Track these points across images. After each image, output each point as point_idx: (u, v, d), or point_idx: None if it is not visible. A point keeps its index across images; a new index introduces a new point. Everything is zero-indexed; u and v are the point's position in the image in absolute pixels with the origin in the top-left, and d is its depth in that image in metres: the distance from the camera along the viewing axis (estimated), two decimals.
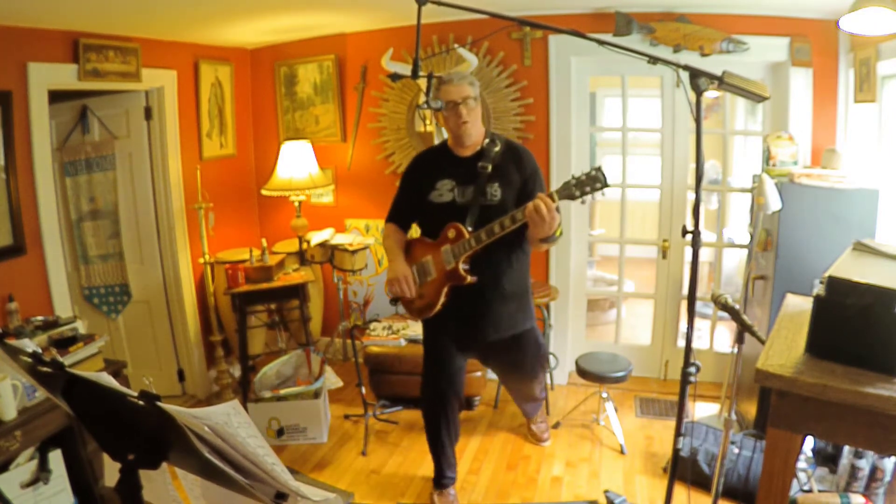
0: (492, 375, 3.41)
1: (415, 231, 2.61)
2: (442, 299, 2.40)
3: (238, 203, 4.17)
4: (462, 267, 2.33)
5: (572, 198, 2.08)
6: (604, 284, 5.26)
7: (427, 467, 2.95)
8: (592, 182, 2.05)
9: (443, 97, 2.32)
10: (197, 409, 0.86)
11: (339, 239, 3.38)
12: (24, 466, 2.20)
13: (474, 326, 2.47)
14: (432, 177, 2.44)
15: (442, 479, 2.69)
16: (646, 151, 4.67)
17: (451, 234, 2.34)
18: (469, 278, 2.34)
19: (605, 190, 2.06)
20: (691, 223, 1.74)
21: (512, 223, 2.18)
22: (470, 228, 2.31)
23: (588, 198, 2.07)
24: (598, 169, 2.05)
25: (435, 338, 2.58)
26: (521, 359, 2.70)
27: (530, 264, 2.59)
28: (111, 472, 0.99)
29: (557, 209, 2.10)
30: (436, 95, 2.33)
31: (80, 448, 2.37)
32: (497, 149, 2.40)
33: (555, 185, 3.59)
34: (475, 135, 2.40)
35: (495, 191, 2.37)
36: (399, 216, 2.60)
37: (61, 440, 2.33)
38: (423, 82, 3.06)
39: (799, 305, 2.09)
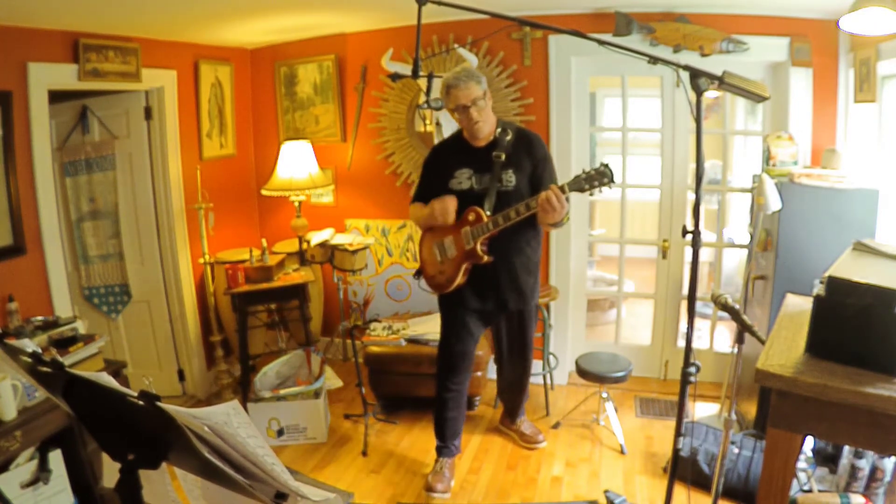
0: (492, 375, 3.41)
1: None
2: (460, 276, 2.61)
3: (238, 203, 4.17)
4: (480, 247, 2.54)
5: (581, 190, 2.29)
6: (604, 284, 5.26)
7: (427, 467, 2.95)
8: (601, 177, 2.26)
9: (452, 102, 2.49)
10: (197, 409, 0.86)
11: (339, 239, 3.38)
12: (24, 466, 2.20)
13: (496, 297, 2.69)
14: (451, 166, 2.64)
15: (440, 446, 2.86)
16: (646, 151, 4.67)
17: (472, 217, 2.54)
18: (486, 258, 2.55)
19: (611, 185, 2.27)
20: (691, 223, 1.74)
21: (526, 210, 2.39)
22: (488, 212, 2.52)
23: (596, 191, 2.28)
24: (606, 165, 2.26)
25: (454, 310, 2.76)
26: (525, 328, 2.90)
27: (542, 245, 2.79)
28: (111, 472, 0.99)
29: (567, 199, 2.32)
30: (445, 100, 2.51)
31: (80, 448, 2.37)
32: (509, 138, 2.58)
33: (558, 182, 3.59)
34: (487, 129, 2.58)
35: (510, 177, 2.57)
36: (423, 200, 2.76)
37: (61, 440, 2.32)
38: (423, 82, 3.07)
39: (799, 305, 2.09)
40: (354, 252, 3.23)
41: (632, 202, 3.82)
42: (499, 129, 2.59)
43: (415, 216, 2.80)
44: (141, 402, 0.87)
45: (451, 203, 2.58)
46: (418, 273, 2.81)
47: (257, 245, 3.77)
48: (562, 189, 2.30)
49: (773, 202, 2.77)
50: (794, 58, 3.19)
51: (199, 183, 3.49)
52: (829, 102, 3.21)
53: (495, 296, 2.69)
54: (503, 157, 2.54)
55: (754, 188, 2.97)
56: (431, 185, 2.72)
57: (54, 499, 2.26)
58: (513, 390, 3.16)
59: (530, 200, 2.37)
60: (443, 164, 2.67)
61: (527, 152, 2.59)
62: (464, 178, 2.60)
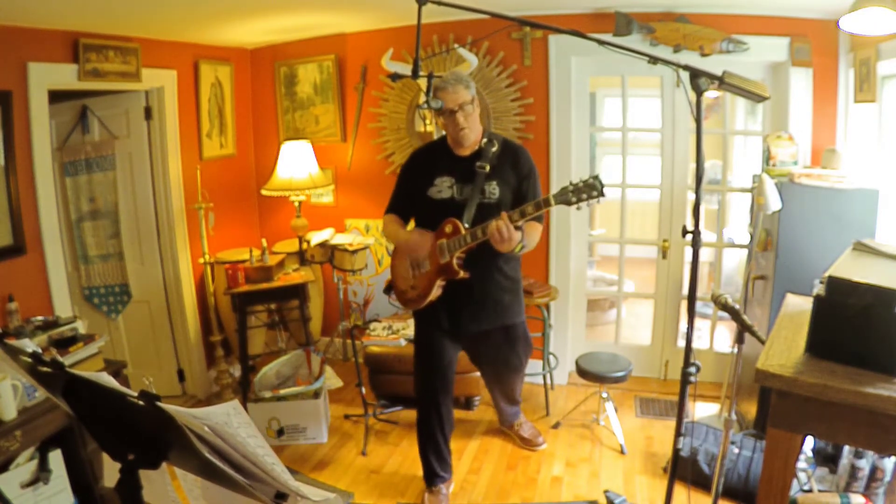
0: None
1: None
2: (434, 291, 2.45)
3: (238, 203, 4.17)
4: (456, 262, 2.38)
5: (568, 203, 2.13)
6: (604, 284, 5.26)
7: None
8: (589, 190, 2.10)
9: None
10: (197, 409, 0.86)
11: (339, 239, 3.38)
12: (24, 466, 2.20)
13: (467, 316, 2.54)
14: (432, 173, 2.49)
15: (433, 478, 2.70)
16: (646, 151, 4.67)
17: (448, 228, 2.40)
18: (462, 273, 2.39)
19: (600, 199, 2.10)
20: (691, 223, 1.74)
21: (483, 235, 2.26)
22: (467, 225, 2.37)
23: (584, 204, 2.11)
24: (596, 177, 2.10)
25: (426, 331, 2.62)
26: (510, 351, 2.77)
27: (521, 260, 2.65)
28: (111, 472, 0.99)
29: (519, 228, 2.20)
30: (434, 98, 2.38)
31: (80, 448, 2.37)
32: (494, 149, 2.46)
33: (554, 186, 3.59)
34: (473, 137, 2.46)
35: (493, 189, 2.44)
36: (398, 209, 2.65)
37: (61, 440, 2.33)
38: (423, 82, 3.06)
39: (799, 305, 2.09)
40: (354, 252, 3.23)
41: (632, 202, 3.82)
42: (484, 140, 2.47)
43: (388, 232, 2.63)
44: (141, 402, 0.87)
45: (428, 240, 2.43)
46: (388, 288, 2.64)
47: (257, 245, 3.77)
48: (546, 201, 2.15)
49: (773, 202, 2.77)
50: (794, 58, 3.19)
51: (199, 183, 3.49)
52: (829, 102, 3.21)
53: (472, 313, 2.52)
54: (487, 168, 2.41)
55: (754, 188, 2.97)
56: (408, 192, 2.58)
57: (54, 499, 2.26)
58: (506, 411, 3.16)
59: (477, 229, 2.26)
60: (422, 170, 2.52)
61: (512, 165, 2.46)
62: (444, 187, 2.45)
